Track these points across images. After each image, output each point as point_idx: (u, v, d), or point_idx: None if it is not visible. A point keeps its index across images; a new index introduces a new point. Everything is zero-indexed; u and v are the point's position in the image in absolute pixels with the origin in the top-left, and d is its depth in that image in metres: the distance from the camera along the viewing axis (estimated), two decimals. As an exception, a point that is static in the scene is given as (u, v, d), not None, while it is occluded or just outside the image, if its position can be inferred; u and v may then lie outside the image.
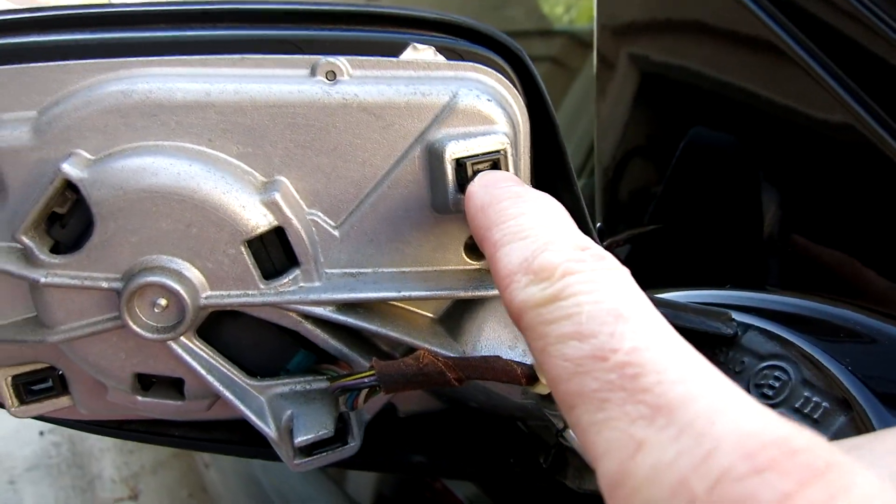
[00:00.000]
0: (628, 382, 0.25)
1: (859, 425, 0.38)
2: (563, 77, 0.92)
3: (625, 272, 0.32)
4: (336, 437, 0.44)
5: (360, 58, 0.43)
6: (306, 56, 0.42)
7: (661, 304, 0.48)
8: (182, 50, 0.41)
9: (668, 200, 0.65)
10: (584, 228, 0.47)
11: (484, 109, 0.43)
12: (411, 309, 0.47)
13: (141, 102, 0.40)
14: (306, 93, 0.41)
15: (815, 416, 0.39)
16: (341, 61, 0.42)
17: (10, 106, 0.40)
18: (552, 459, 0.45)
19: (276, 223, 0.41)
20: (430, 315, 0.47)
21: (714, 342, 0.46)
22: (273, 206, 0.41)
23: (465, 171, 0.41)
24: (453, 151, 0.42)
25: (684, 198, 0.64)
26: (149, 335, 0.40)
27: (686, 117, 0.66)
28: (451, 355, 0.42)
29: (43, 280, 0.39)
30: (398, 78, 0.43)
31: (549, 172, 0.47)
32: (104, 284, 0.40)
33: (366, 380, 0.39)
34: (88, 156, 0.40)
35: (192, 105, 0.40)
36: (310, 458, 0.44)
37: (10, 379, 0.46)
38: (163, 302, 0.40)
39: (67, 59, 0.40)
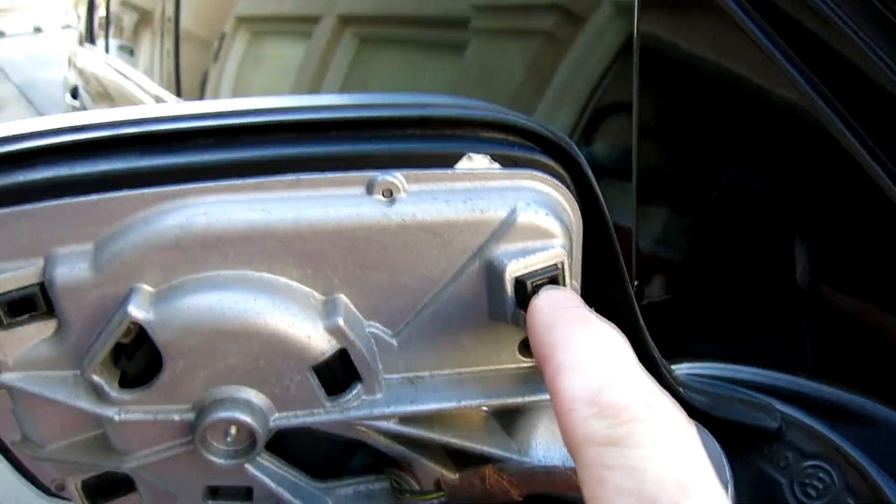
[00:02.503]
0: None
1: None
2: (556, 53, 0.90)
3: (693, 433, 0.32)
4: None
5: (415, 172, 0.42)
6: (362, 174, 0.42)
7: (707, 395, 0.49)
8: (236, 173, 0.41)
9: (702, 256, 0.66)
10: (638, 338, 0.48)
11: (542, 224, 0.43)
12: (468, 406, 0.48)
13: (200, 235, 0.39)
14: (365, 216, 0.41)
15: (856, 525, 0.42)
16: (398, 178, 0.42)
17: (64, 240, 0.39)
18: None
19: (339, 347, 0.41)
20: (486, 409, 0.48)
21: (757, 434, 0.48)
22: (337, 332, 0.41)
23: (524, 289, 0.42)
24: (513, 270, 0.42)
25: (719, 256, 0.65)
26: (222, 461, 0.41)
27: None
28: (515, 469, 0.43)
29: (117, 418, 0.40)
30: (455, 192, 0.43)
31: (600, 270, 0.48)
32: (176, 417, 0.41)
33: (435, 502, 0.40)
34: (150, 288, 0.40)
35: (251, 235, 0.40)
36: None
37: (79, 483, 0.47)
38: (234, 431, 0.41)
39: (119, 189, 0.40)
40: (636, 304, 0.47)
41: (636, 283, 0.69)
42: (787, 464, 0.46)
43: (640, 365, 0.35)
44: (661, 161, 0.76)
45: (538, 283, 0.42)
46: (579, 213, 0.46)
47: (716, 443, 0.45)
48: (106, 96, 2.66)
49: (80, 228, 0.39)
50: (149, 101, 2.11)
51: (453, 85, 1.10)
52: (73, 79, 3.18)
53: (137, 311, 0.38)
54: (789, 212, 0.61)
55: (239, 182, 0.40)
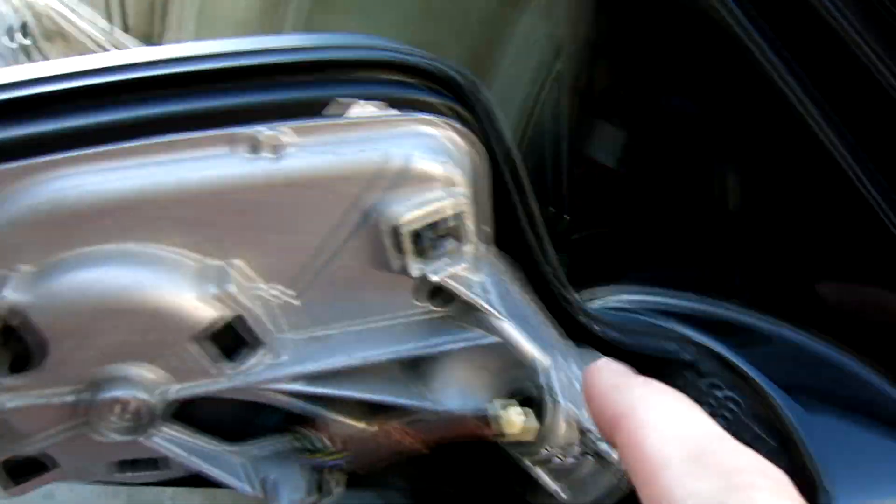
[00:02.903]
0: None
1: (808, 468, 0.41)
2: (512, 11, 0.87)
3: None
4: (319, 487, 0.47)
5: (303, 123, 0.40)
6: (245, 129, 0.39)
7: (623, 329, 0.50)
8: (108, 138, 0.38)
9: (630, 190, 0.65)
10: (550, 279, 0.47)
11: (440, 171, 0.41)
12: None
13: (74, 208, 0.37)
14: (251, 176, 0.39)
15: (757, 448, 0.43)
16: (283, 132, 0.40)
17: None
18: (525, 485, 0.49)
19: (233, 313, 0.40)
20: (396, 360, 0.48)
21: (673, 365, 0.48)
22: (229, 299, 0.40)
23: (422, 242, 0.41)
24: (408, 221, 0.41)
25: (649, 187, 0.64)
26: (121, 437, 0.41)
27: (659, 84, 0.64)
28: (420, 421, 0.43)
29: (9, 405, 0.39)
30: (346, 142, 0.41)
31: (510, 211, 0.47)
32: (70, 399, 0.40)
33: (341, 460, 0.40)
34: (29, 268, 0.38)
35: (128, 204, 0.38)
36: None
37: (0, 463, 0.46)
38: (130, 406, 0.40)
39: None
40: (549, 244, 0.47)
41: (566, 217, 0.68)
42: (700, 394, 0.47)
43: None
44: (600, 83, 0.74)
45: (437, 234, 0.41)
46: (485, 156, 0.44)
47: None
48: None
49: None
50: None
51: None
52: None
53: (13, 294, 0.37)
54: (722, 138, 0.61)
55: (111, 148, 0.38)
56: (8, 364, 0.39)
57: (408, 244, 0.41)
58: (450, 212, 0.41)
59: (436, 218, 0.41)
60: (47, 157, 0.37)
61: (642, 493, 0.28)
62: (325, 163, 0.40)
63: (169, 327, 0.39)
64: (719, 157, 0.61)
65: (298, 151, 0.40)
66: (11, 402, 0.39)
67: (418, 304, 0.45)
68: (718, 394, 0.46)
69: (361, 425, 0.46)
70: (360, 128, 0.41)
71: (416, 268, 0.41)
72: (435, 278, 0.41)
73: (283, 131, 0.40)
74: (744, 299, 0.54)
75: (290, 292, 0.43)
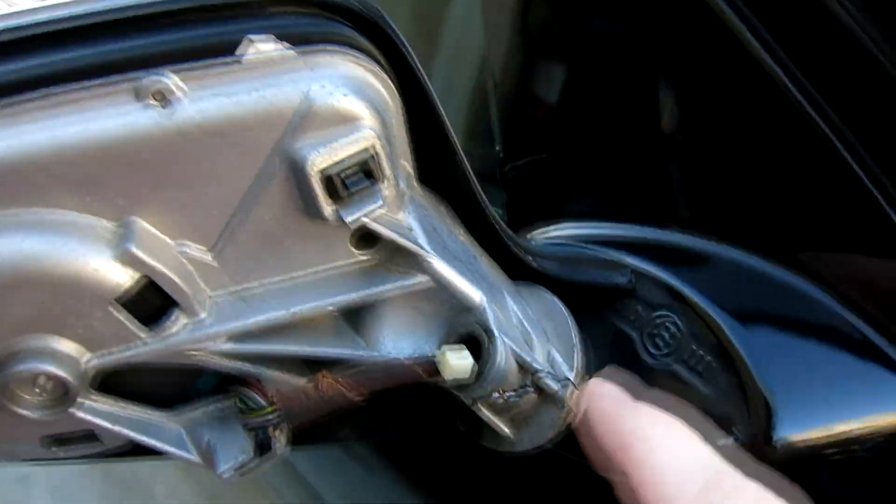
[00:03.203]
0: None
1: (745, 382, 0.40)
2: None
3: None
4: (260, 446, 0.45)
5: (191, 68, 0.37)
6: (125, 78, 0.36)
7: (558, 260, 0.48)
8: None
9: (565, 120, 0.63)
10: (479, 212, 0.45)
11: (344, 108, 0.38)
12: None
13: None
14: (137, 128, 0.36)
15: (700, 371, 0.42)
16: (171, 79, 0.37)
17: None
18: (469, 423, 0.48)
19: (139, 275, 0.38)
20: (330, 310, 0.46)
21: (611, 292, 0.47)
22: (134, 260, 0.37)
23: (334, 185, 0.38)
24: (317, 163, 0.38)
25: (581, 117, 0.62)
26: (38, 414, 0.39)
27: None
28: (351, 370, 0.42)
29: None
30: (240, 84, 0.38)
31: (431, 146, 0.44)
32: None
33: (270, 417, 0.39)
34: None
35: (6, 168, 0.35)
36: (229, 471, 0.45)
37: None
38: (42, 381, 0.38)
39: None
40: (474, 179, 0.44)
41: (499, 149, 0.66)
42: (638, 317, 0.46)
43: None
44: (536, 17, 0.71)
45: (349, 175, 0.39)
46: (395, 89, 0.42)
47: (562, 307, 0.44)
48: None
49: None
50: None
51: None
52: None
53: None
54: (655, 58, 0.58)
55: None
56: None
57: (319, 188, 0.39)
58: (361, 150, 0.39)
59: (346, 158, 0.39)
60: None
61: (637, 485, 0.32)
62: (221, 109, 0.37)
63: (70, 295, 0.37)
64: (656, 80, 0.59)
65: (190, 99, 0.37)
66: None
67: (343, 251, 0.43)
68: (661, 319, 0.45)
69: (300, 381, 0.45)
70: (259, 68, 0.38)
71: (329, 211, 0.39)
72: (352, 219, 0.39)
73: (168, 76, 0.37)
74: (687, 225, 0.53)
75: (203, 248, 0.40)
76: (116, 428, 0.43)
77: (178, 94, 0.37)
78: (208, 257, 0.41)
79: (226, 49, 0.38)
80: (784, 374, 0.41)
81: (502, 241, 0.46)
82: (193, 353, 0.42)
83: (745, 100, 0.51)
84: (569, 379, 0.42)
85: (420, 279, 0.43)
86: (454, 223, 0.47)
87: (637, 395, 0.37)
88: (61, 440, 0.45)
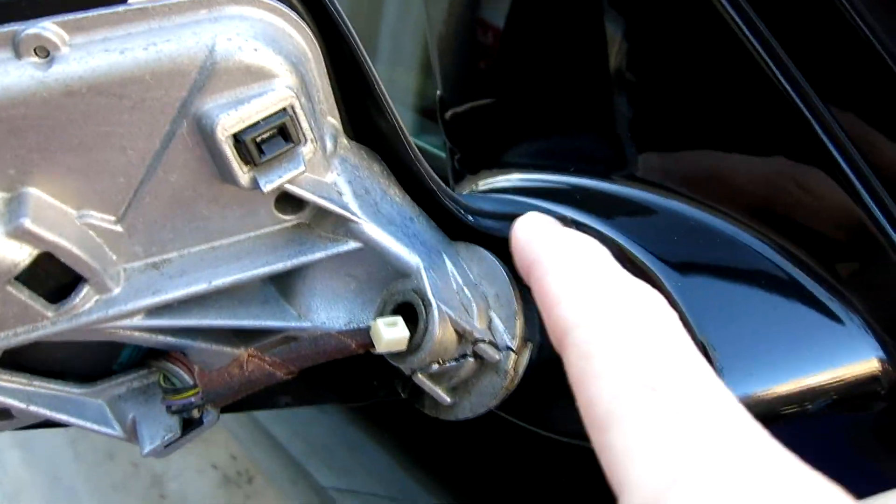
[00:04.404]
0: None
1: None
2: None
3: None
4: (188, 421, 0.43)
5: (76, 19, 0.33)
6: (4, 31, 0.32)
7: (496, 216, 0.46)
8: None
9: (509, 63, 0.59)
10: (412, 169, 0.42)
11: (255, 62, 0.35)
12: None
13: None
14: (15, 87, 0.32)
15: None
16: (52, 30, 0.32)
17: None
18: (410, 390, 0.46)
19: (38, 250, 0.35)
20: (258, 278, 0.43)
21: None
22: (27, 234, 0.34)
23: (247, 149, 0.35)
24: (227, 125, 0.34)
25: (523, 60, 0.58)
26: None
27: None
28: (277, 347, 0.40)
29: None
30: (133, 36, 0.34)
31: (358, 98, 0.41)
32: None
33: (192, 399, 0.37)
34: None
35: None
36: (155, 451, 0.43)
37: None
38: None
39: None
40: (405, 132, 0.41)
41: (439, 92, 0.62)
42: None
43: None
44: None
45: (264, 138, 0.35)
46: (314, 38, 0.38)
47: (503, 269, 0.42)
48: None
49: None
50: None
51: None
52: None
53: None
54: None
55: None
56: None
57: (230, 151, 0.35)
58: (277, 111, 0.35)
59: (260, 120, 0.35)
60: None
61: (547, 324, 0.32)
62: (112, 66, 0.33)
63: None
64: (601, 15, 0.55)
65: (75, 53, 0.33)
66: None
67: (267, 216, 0.40)
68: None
69: (229, 351, 0.42)
70: (154, 17, 0.34)
71: (246, 179, 0.36)
72: (270, 186, 0.36)
73: (50, 29, 0.32)
74: (627, 173, 0.50)
75: (109, 217, 0.37)
76: (31, 407, 0.40)
77: (63, 48, 0.33)
78: (117, 227, 0.37)
79: (114, -4, 0.33)
80: (724, 326, 0.40)
81: (439, 200, 0.43)
82: (107, 329, 0.39)
83: (696, 37, 0.48)
84: (510, 347, 0.41)
85: (351, 245, 0.41)
86: (389, 182, 0.44)
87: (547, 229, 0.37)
88: None
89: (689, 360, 0.29)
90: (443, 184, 0.43)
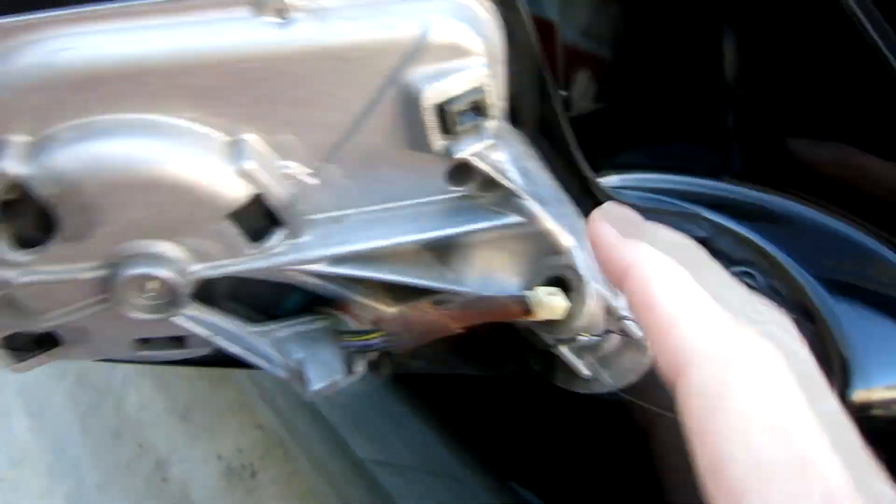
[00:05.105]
0: None
1: (824, 336, 0.41)
2: None
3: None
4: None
5: None
6: None
7: (637, 209, 0.48)
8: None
9: (625, 70, 0.61)
10: (568, 156, 0.45)
11: (461, 41, 0.38)
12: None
13: (66, 75, 0.34)
14: (258, 42, 0.36)
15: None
16: None
17: None
18: (543, 363, 0.49)
19: (254, 192, 0.38)
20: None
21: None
22: (249, 176, 0.38)
23: (446, 119, 0.38)
24: (431, 96, 0.38)
25: (645, 55, 0.60)
26: (145, 316, 0.40)
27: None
28: (452, 301, 0.43)
29: (16, 281, 0.37)
30: (358, 7, 0.37)
31: (526, 87, 0.44)
32: (85, 275, 0.38)
33: (374, 341, 0.40)
34: (24, 138, 0.35)
35: (126, 72, 0.35)
36: (321, 389, 0.46)
37: (2, 340, 0.45)
38: (152, 286, 0.39)
39: None
40: (566, 120, 0.44)
41: (564, 93, 0.65)
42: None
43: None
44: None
45: (462, 110, 0.39)
46: (499, 23, 0.41)
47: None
48: None
49: None
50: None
51: None
52: None
53: (14, 165, 0.34)
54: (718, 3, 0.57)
55: (101, 7, 0.34)
56: (12, 240, 0.37)
57: (431, 119, 0.39)
58: (473, 85, 0.39)
59: (459, 91, 0.38)
60: (25, 17, 0.34)
61: (655, 345, 0.28)
62: (341, 31, 0.37)
63: (189, 204, 0.37)
64: (718, 23, 0.57)
65: (309, 17, 0.37)
66: (22, 277, 0.38)
67: (436, 185, 0.43)
68: (732, 270, 0.45)
69: (390, 308, 0.46)
70: None
71: (439, 145, 0.39)
72: (461, 155, 0.39)
73: None
74: (749, 178, 0.52)
75: (308, 170, 0.41)
76: (211, 337, 0.44)
77: (298, 12, 0.36)
78: (312, 179, 0.41)
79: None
80: (862, 335, 0.42)
81: (588, 188, 0.46)
82: (291, 271, 0.42)
83: (818, 44, 0.49)
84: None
85: (513, 219, 0.44)
86: (541, 166, 0.47)
87: (635, 229, 0.32)
88: (150, 341, 0.46)
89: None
90: (593, 173, 0.46)
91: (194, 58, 0.35)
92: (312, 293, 0.46)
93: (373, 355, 0.42)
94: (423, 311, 0.39)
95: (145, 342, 0.46)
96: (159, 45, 0.35)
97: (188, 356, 0.47)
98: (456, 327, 0.40)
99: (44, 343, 0.46)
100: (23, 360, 0.46)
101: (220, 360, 0.48)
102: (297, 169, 0.40)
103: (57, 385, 1.87)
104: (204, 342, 0.45)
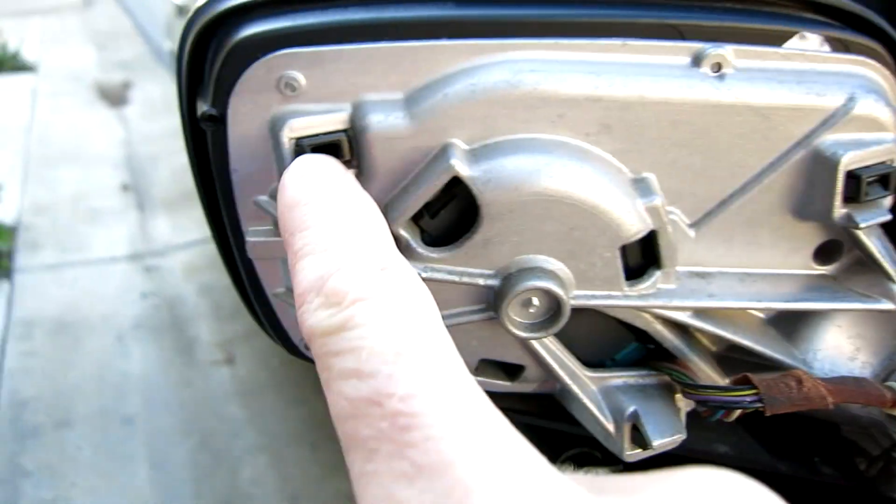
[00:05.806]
0: (397, 434, 0.23)
1: None
2: None
3: (419, 296, 0.28)
4: None
5: (744, 47, 0.39)
6: (689, 44, 0.39)
7: None
8: (562, 31, 0.38)
9: None
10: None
11: (879, 115, 0.39)
12: (743, 310, 0.45)
13: (527, 95, 0.37)
14: (695, 90, 0.38)
15: None
16: (726, 51, 0.39)
17: (374, 86, 0.37)
18: (879, 469, 0.45)
19: (652, 228, 0.39)
20: (761, 316, 0.46)
21: None
22: (654, 212, 0.39)
23: (858, 184, 0.39)
24: (847, 162, 0.39)
25: None
26: (522, 334, 0.40)
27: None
28: (823, 378, 0.41)
29: (424, 275, 0.39)
30: (785, 73, 0.39)
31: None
32: (481, 282, 0.39)
33: (747, 398, 0.38)
34: (464, 146, 0.38)
35: (579, 99, 0.37)
36: (643, 451, 0.44)
37: None
38: (537, 302, 0.39)
39: (436, 38, 0.37)
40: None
41: None
42: None
43: (383, 233, 0.30)
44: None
45: (871, 179, 0.39)
46: None
47: None
48: None
49: (392, 76, 0.37)
50: None
51: None
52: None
53: (461, 164, 0.37)
54: None
55: (563, 41, 0.38)
56: (420, 236, 0.39)
57: (840, 185, 0.39)
58: (884, 158, 0.39)
59: (872, 162, 0.39)
60: (499, 41, 0.37)
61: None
62: (767, 90, 0.38)
63: (595, 228, 0.38)
64: None
65: (740, 74, 0.39)
66: (426, 273, 0.39)
67: (801, 260, 0.43)
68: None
69: (711, 373, 0.44)
70: (805, 62, 0.39)
71: (841, 211, 0.39)
72: (865, 225, 0.39)
73: (727, 51, 0.39)
74: None
75: (687, 220, 0.41)
76: (558, 371, 0.43)
77: (731, 68, 0.39)
78: (689, 231, 0.42)
79: (775, 39, 0.40)
80: None
81: None
82: (651, 315, 0.42)
83: None
84: None
85: (884, 304, 0.42)
86: None
87: None
88: (487, 366, 0.46)
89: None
90: None
91: (637, 96, 0.38)
92: (644, 350, 0.46)
93: (732, 414, 0.40)
94: (801, 379, 0.38)
95: (483, 365, 0.46)
96: (610, 80, 0.37)
97: (508, 390, 0.46)
98: (831, 401, 0.38)
99: None
100: None
101: (527, 410, 0.47)
102: (678, 217, 0.41)
103: (182, 442, 1.89)
104: (535, 377, 0.45)
